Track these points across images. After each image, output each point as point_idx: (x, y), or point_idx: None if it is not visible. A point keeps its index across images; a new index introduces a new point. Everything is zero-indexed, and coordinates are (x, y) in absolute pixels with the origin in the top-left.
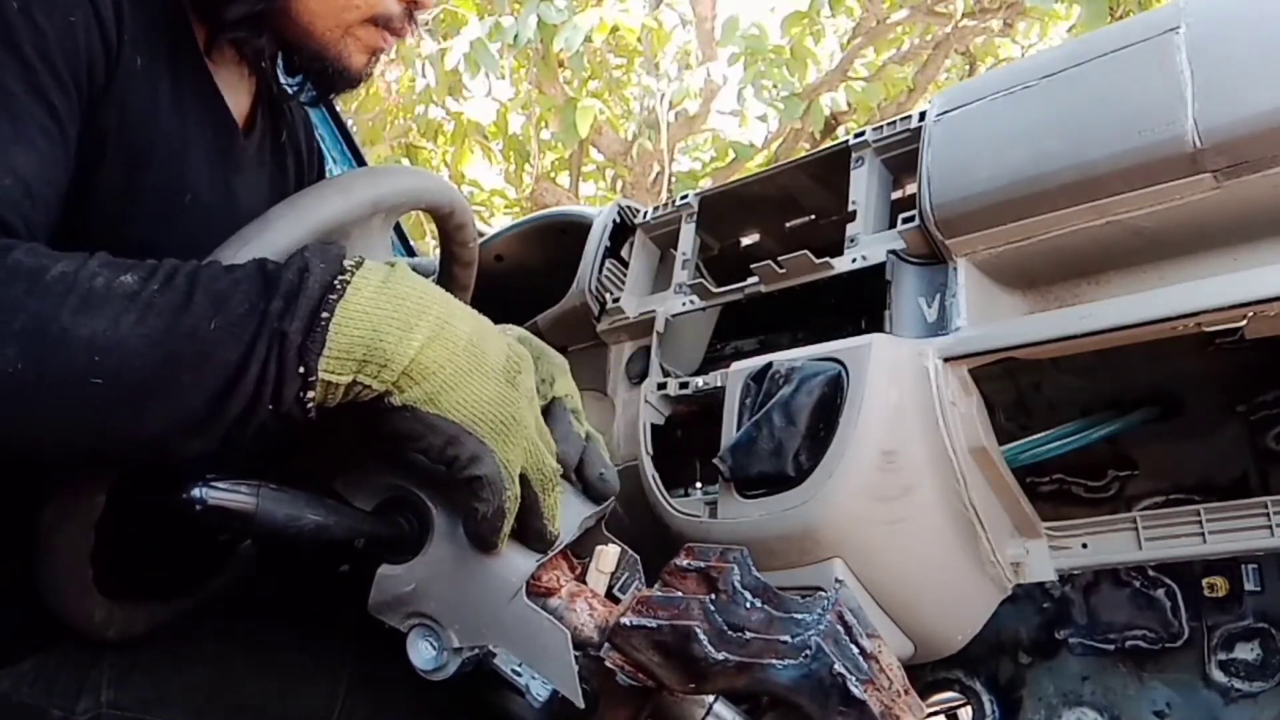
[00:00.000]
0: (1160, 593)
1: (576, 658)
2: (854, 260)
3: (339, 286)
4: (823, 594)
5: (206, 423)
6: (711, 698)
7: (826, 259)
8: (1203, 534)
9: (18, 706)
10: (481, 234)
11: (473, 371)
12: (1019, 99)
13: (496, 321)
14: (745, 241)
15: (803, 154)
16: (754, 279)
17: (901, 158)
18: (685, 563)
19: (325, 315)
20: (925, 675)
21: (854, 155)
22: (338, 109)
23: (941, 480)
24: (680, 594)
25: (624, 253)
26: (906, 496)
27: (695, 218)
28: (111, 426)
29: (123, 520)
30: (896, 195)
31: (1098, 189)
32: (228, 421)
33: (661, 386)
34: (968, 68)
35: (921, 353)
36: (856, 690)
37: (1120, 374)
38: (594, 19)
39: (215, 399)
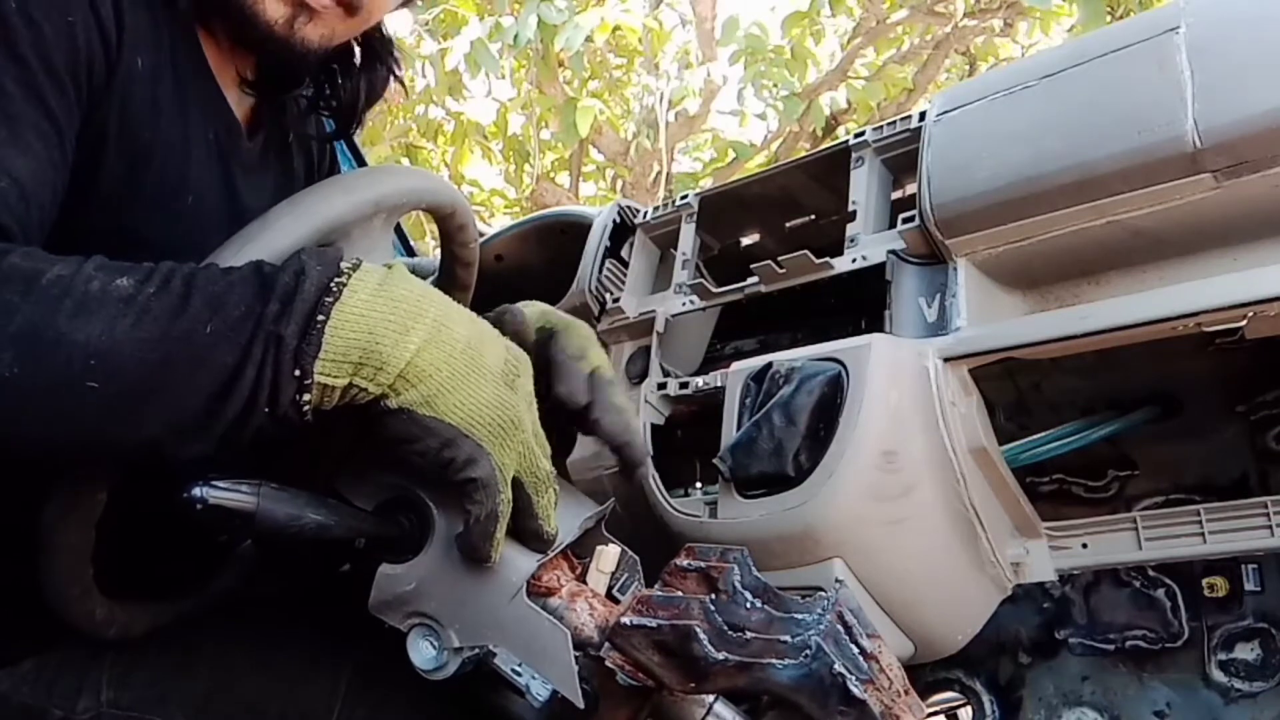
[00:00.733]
0: (1160, 593)
1: (576, 658)
2: (854, 260)
3: (335, 289)
4: (823, 594)
5: (203, 426)
6: (711, 697)
7: (826, 259)
8: (1203, 534)
9: (18, 707)
10: (481, 234)
11: (470, 374)
12: (1019, 99)
13: None
14: (745, 241)
15: (803, 154)
16: (754, 279)
17: (901, 158)
18: (685, 563)
19: (321, 318)
20: (925, 675)
21: (854, 155)
22: None
23: (941, 480)
24: (680, 594)
25: (624, 253)
26: (906, 496)
27: (695, 218)
28: (108, 430)
29: (123, 520)
30: (896, 195)
31: (1098, 189)
32: (224, 424)
33: (661, 386)
34: (968, 68)
35: (921, 353)
36: (857, 690)
37: (1120, 374)
38: (595, 19)
39: (211, 402)
